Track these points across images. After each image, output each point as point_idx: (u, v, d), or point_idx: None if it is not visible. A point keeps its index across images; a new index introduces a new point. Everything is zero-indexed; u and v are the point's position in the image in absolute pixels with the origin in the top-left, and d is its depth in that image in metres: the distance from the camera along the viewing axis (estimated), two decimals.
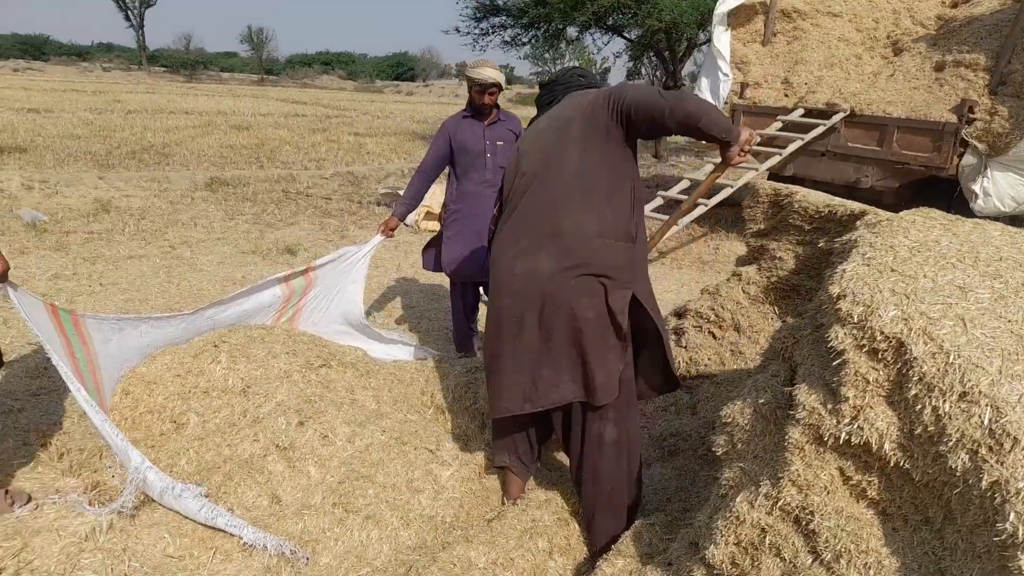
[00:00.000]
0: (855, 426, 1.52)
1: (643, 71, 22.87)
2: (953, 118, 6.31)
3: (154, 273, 5.72)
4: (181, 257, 6.29)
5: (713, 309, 3.72)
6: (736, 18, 8.09)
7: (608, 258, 2.26)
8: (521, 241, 2.35)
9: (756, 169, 7.18)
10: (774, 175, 7.67)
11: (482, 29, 15.47)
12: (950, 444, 1.33)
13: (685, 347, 3.80)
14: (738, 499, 1.76)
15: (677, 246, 7.83)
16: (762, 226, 3.47)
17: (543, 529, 2.50)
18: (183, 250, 6.52)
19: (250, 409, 2.93)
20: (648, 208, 6.73)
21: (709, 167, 7.00)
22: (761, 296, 3.54)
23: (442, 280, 5.28)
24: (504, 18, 15.15)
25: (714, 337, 3.73)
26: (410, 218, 7.89)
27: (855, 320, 1.55)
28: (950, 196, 6.49)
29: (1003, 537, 1.21)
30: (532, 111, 2.72)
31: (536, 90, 2.99)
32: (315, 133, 16.55)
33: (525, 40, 15.48)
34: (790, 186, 3.47)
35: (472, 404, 3.30)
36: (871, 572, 1.48)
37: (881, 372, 1.50)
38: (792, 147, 7.07)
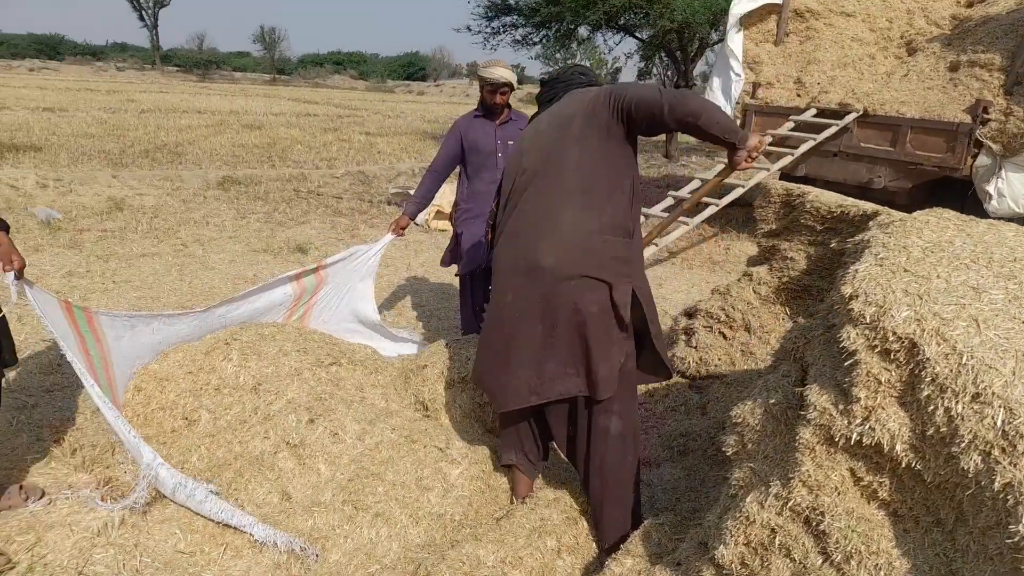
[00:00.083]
0: (867, 427, 1.51)
1: (654, 71, 22.82)
2: (967, 118, 6.26)
3: (166, 271, 5.76)
4: (193, 255, 6.33)
5: (724, 309, 3.71)
6: (749, 18, 8.05)
7: (608, 254, 2.29)
8: (522, 237, 2.37)
9: (768, 169, 7.14)
10: (786, 175, 7.63)
11: (493, 28, 15.49)
12: (962, 445, 1.32)
13: (695, 347, 3.79)
14: (748, 499, 1.75)
15: (688, 246, 7.81)
16: (774, 226, 3.46)
17: (552, 528, 2.50)
18: (195, 248, 6.56)
19: (261, 406, 2.95)
20: (658, 208, 6.72)
21: (720, 167, 6.98)
22: (772, 296, 3.53)
23: (451, 279, 5.28)
24: (515, 17, 15.16)
25: (725, 337, 3.72)
26: (420, 217, 7.88)
27: (867, 320, 1.54)
28: (963, 197, 6.43)
29: (1016, 539, 1.20)
30: None
31: None
32: (326, 132, 16.62)
33: (536, 40, 15.49)
34: (802, 186, 3.46)
35: (481, 402, 3.30)
36: (882, 574, 1.47)
37: (893, 373, 1.49)
38: (804, 147, 7.03)
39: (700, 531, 2.04)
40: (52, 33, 74.86)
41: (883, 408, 1.50)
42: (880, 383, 1.50)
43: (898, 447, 1.46)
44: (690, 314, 4.03)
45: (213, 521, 2.48)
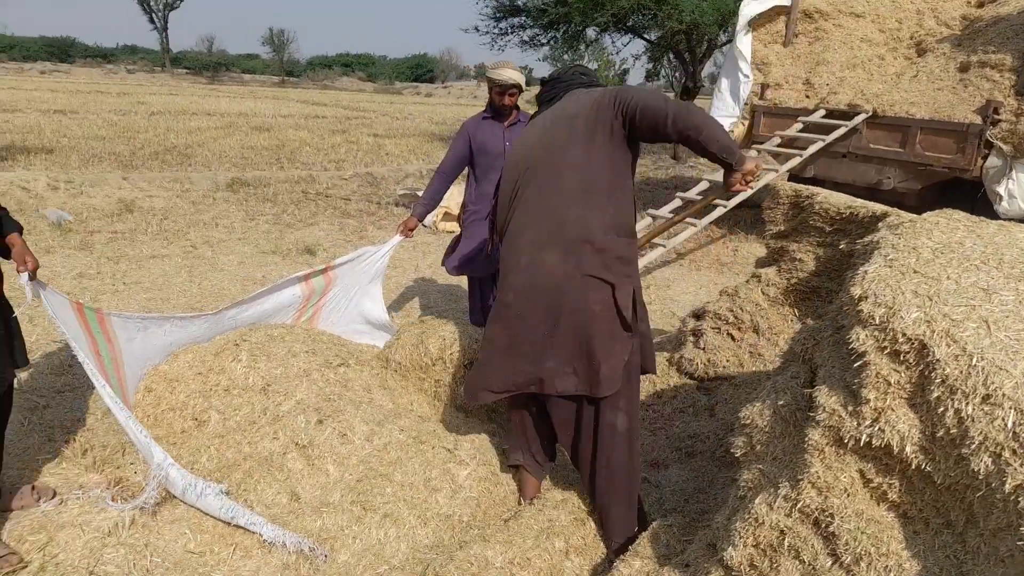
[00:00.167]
0: (876, 428, 1.50)
1: (662, 73, 22.78)
2: (978, 119, 6.22)
3: (176, 272, 5.80)
4: (202, 257, 6.37)
5: (732, 311, 3.70)
6: (758, 19, 8.04)
7: (612, 254, 2.31)
8: (526, 236, 2.39)
9: (776, 171, 7.12)
10: (794, 176, 7.60)
11: (501, 29, 15.50)
12: (973, 447, 1.31)
13: (704, 349, 3.78)
14: (757, 501, 1.75)
15: (696, 247, 7.79)
16: (782, 228, 3.45)
17: (560, 529, 2.50)
18: (204, 250, 6.60)
19: (270, 407, 2.97)
20: (666, 209, 6.70)
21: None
22: (780, 298, 3.52)
23: (460, 281, 5.29)
24: (523, 18, 15.16)
25: (733, 339, 3.71)
26: (428, 219, 7.92)
27: (877, 322, 1.54)
28: (973, 198, 6.39)
29: None
30: None
31: None
32: (335, 134, 16.68)
33: (544, 41, 15.49)
34: (811, 187, 3.45)
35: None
36: (891, 575, 1.46)
37: (903, 374, 1.49)
38: (813, 148, 7.00)
39: (709, 533, 2.04)
40: (63, 36, 75.32)
41: (893, 409, 1.50)
42: (890, 384, 1.50)
43: (908, 449, 1.46)
44: (698, 315, 4.02)
45: (223, 522, 2.49)
